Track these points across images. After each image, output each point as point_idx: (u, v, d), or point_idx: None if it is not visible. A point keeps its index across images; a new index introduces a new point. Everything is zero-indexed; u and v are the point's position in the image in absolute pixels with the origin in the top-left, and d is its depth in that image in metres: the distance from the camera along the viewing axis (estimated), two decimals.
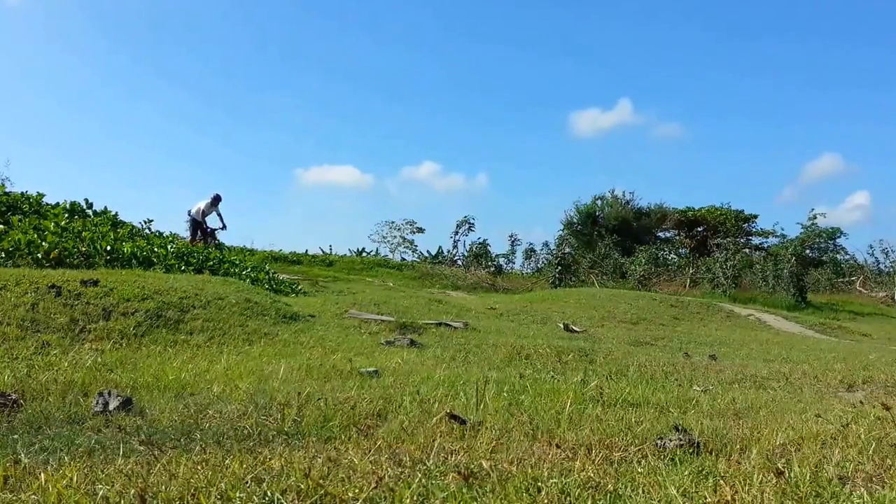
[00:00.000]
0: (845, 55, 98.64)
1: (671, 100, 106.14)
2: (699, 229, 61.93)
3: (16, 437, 4.60)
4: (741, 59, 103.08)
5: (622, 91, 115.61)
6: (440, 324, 13.16)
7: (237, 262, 21.55)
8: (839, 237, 53.50)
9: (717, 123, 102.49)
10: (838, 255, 53.58)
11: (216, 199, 28.96)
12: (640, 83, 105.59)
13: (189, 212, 28.86)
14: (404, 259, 53.67)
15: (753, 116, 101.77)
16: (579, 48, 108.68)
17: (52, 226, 16.03)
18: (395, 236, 57.87)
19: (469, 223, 49.46)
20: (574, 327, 15.63)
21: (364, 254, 54.38)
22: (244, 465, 3.90)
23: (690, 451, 4.61)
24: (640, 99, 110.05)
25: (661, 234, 63.11)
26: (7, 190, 19.87)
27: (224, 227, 29.79)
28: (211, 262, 19.34)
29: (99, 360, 7.81)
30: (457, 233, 49.71)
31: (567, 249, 44.94)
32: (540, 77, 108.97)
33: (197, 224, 28.62)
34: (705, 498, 3.61)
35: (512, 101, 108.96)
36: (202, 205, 28.84)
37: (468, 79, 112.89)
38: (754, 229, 63.01)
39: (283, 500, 3.39)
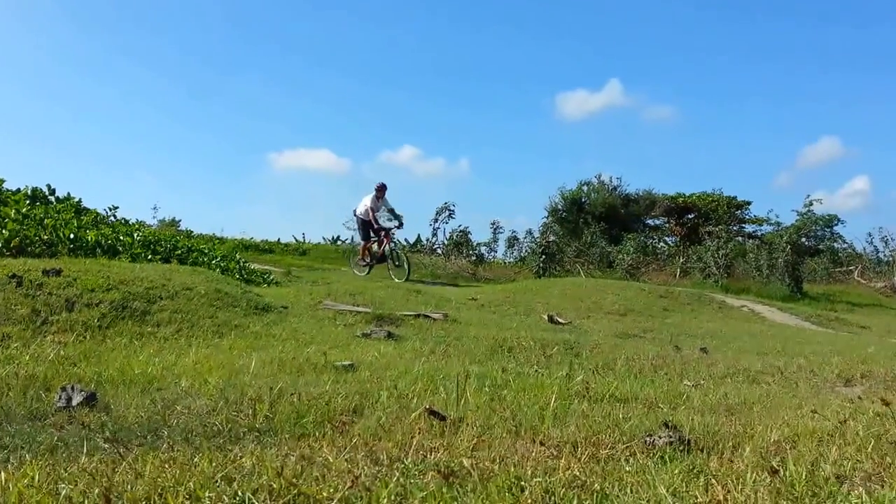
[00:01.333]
0: (846, 35, 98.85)
1: (663, 81, 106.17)
2: (690, 216, 62.04)
3: None
4: (736, 39, 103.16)
5: (611, 71, 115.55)
6: (419, 315, 13.17)
7: (206, 251, 21.45)
8: (836, 225, 53.65)
9: (710, 106, 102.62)
10: (835, 244, 53.66)
11: (381, 189, 26.46)
12: (631, 63, 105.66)
13: (355, 212, 27.11)
14: None
15: (749, 98, 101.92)
16: (566, 25, 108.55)
17: (12, 213, 15.91)
18: None
19: (449, 210, 49.30)
20: (559, 319, 15.66)
21: (339, 242, 54.28)
22: (214, 464, 3.90)
23: (681, 448, 4.63)
24: (631, 79, 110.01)
25: (650, 221, 63.19)
26: None
27: (400, 225, 27.29)
28: (179, 251, 19.28)
29: (62, 353, 7.79)
30: (436, 220, 49.52)
31: (551, 237, 44.89)
32: (524, 57, 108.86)
33: (367, 224, 26.60)
34: (696, 498, 3.62)
35: (495, 82, 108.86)
36: (367, 201, 26.49)
37: (450, 59, 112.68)
38: (748, 216, 63.14)
39: (254, 500, 3.39)
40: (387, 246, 26.42)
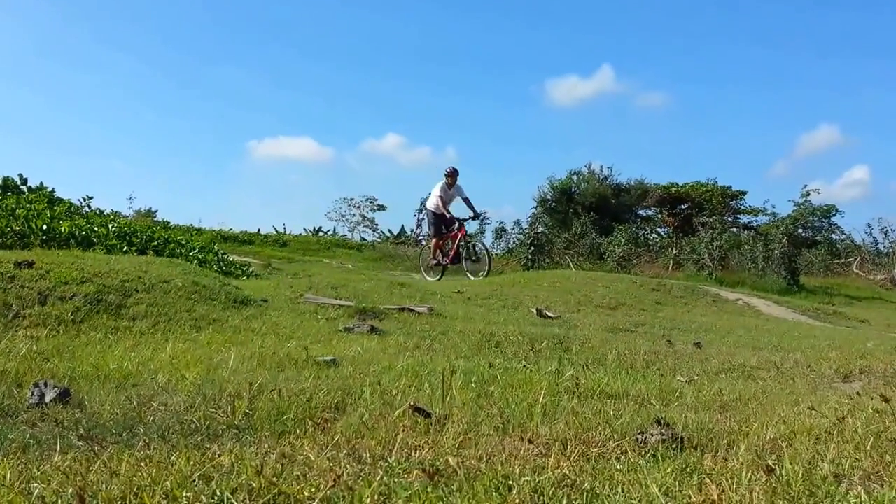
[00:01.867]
0: (846, 19, 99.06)
1: (656, 66, 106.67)
2: (683, 207, 62.22)
3: None
4: (733, 24, 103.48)
5: (603, 56, 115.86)
6: (403, 309, 13.15)
7: (184, 243, 21.45)
8: (835, 215, 53.88)
9: (705, 92, 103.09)
10: (834, 235, 53.93)
11: (451, 175, 23.82)
12: (623, 48, 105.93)
13: (425, 205, 25.20)
14: (364, 239, 53.99)
15: (745, 85, 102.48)
16: (556, 9, 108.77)
17: None
18: (354, 214, 58.03)
19: None
20: (548, 313, 15.64)
21: (321, 233, 54.54)
22: (191, 462, 3.89)
23: (673, 446, 4.62)
24: (623, 65, 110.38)
25: (641, 211, 63.50)
26: None
27: (476, 216, 25.30)
28: (155, 243, 19.27)
29: (34, 348, 7.76)
30: (421, 210, 49.60)
31: (540, 228, 45.08)
32: (513, 42, 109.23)
33: (439, 218, 24.05)
34: (689, 497, 3.62)
35: (483, 68, 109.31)
36: (437, 190, 23.86)
37: (436, 45, 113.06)
38: (743, 207, 63.45)
39: (233, 500, 3.39)
40: (461, 240, 24.08)
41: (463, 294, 18.62)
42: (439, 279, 24.18)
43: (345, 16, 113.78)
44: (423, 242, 28.27)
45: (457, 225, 24.07)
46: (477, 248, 24.82)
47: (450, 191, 23.98)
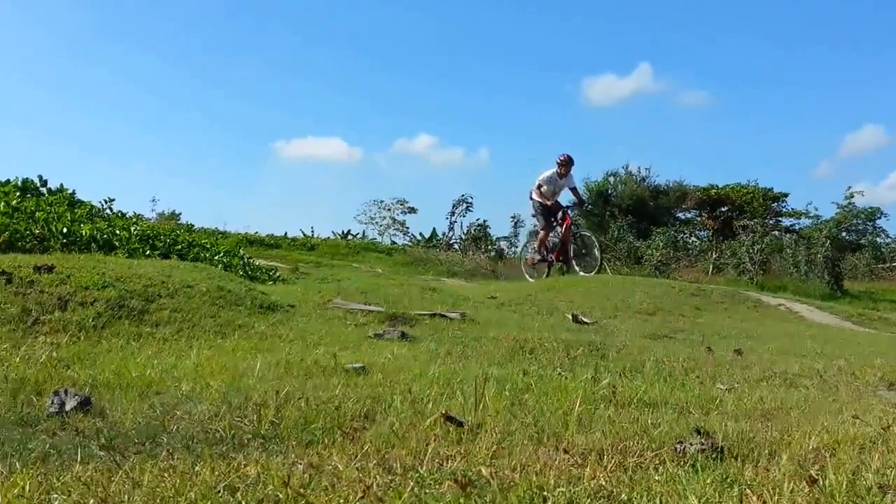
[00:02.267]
0: (892, 16, 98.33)
1: (696, 65, 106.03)
2: (723, 209, 61.76)
3: None
4: (775, 20, 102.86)
5: (641, 54, 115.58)
6: (434, 314, 13.12)
7: (208, 247, 21.53)
8: (879, 218, 53.58)
9: (746, 91, 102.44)
10: (878, 238, 53.64)
11: (564, 164, 22.29)
12: (661, 45, 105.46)
13: (531, 196, 22.86)
14: (394, 242, 53.93)
15: (788, 83, 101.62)
16: (592, 5, 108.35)
17: (1, 206, 15.94)
18: (384, 217, 58.01)
19: (467, 202, 49.47)
20: (584, 318, 15.58)
21: (350, 237, 54.49)
22: (216, 473, 3.89)
23: (713, 456, 4.59)
24: (662, 63, 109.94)
25: (680, 214, 63.16)
26: None
27: (581, 203, 25.28)
28: (179, 247, 19.34)
29: (54, 354, 7.77)
30: (453, 213, 49.76)
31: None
32: (549, 39, 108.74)
33: (546, 209, 22.60)
34: None
35: (518, 66, 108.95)
36: (541, 179, 22.46)
37: (470, 42, 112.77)
38: (784, 209, 62.91)
39: None
40: (571, 233, 22.83)
41: (496, 299, 18.59)
42: (546, 277, 23.17)
43: (377, 12, 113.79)
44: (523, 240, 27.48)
45: (561, 214, 22.85)
46: (586, 240, 23.51)
47: (560, 181, 22.62)
